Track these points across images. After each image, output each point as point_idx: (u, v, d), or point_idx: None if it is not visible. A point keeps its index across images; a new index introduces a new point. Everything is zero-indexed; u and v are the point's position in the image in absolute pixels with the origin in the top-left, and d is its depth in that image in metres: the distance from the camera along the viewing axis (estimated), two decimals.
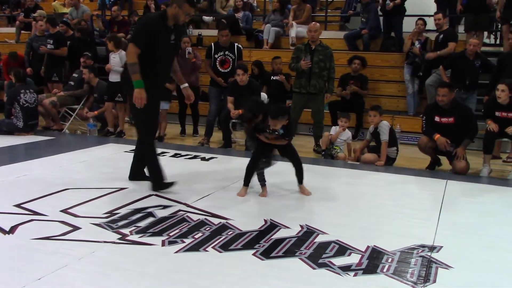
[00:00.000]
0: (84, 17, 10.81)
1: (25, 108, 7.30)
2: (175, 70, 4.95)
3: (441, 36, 8.03)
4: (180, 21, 4.56)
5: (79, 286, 2.75)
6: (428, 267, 3.13)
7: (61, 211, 3.94)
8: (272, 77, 8.03)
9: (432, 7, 9.35)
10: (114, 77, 7.59)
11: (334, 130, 6.65)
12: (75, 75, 8.48)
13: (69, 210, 3.96)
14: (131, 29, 10.51)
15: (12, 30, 12.12)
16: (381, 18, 9.46)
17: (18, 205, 4.05)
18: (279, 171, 5.09)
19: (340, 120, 6.62)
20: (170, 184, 4.60)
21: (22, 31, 11.85)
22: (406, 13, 9.17)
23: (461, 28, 9.16)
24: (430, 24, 8.61)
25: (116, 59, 7.61)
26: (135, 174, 4.95)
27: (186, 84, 5.03)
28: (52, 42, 8.95)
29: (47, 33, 9.27)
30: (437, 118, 5.98)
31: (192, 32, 10.52)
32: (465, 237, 3.74)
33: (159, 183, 4.60)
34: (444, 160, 6.19)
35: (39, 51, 9.18)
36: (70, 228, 3.57)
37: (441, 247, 3.48)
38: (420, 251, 3.40)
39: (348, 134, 6.63)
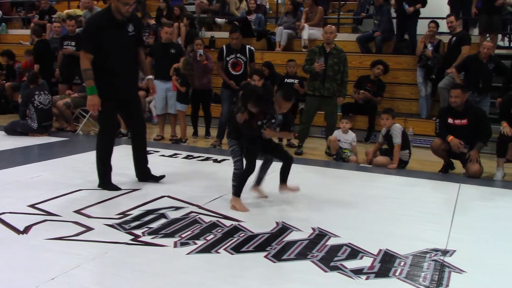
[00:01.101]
0: None
1: (39, 110, 7.37)
2: (140, 62, 4.91)
3: (454, 38, 7.98)
4: (124, 12, 4.47)
5: (91, 286, 2.77)
6: (441, 271, 3.11)
7: (75, 211, 3.97)
8: (285, 79, 8.02)
9: (445, 10, 9.29)
10: None
11: (337, 133, 6.64)
12: None
13: (82, 211, 3.99)
14: (145, 32, 10.56)
15: (27, 32, 12.24)
16: (394, 21, 9.42)
17: (32, 206, 4.08)
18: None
19: (341, 122, 6.60)
20: (115, 187, 4.65)
21: None
22: (420, 16, 9.12)
23: (475, 31, 9.09)
24: (444, 26, 8.55)
25: None
26: (143, 175, 5.00)
27: (150, 76, 5.09)
28: (74, 44, 9.00)
29: (63, 35, 9.32)
30: (450, 120, 5.95)
31: (204, 34, 10.55)
32: (479, 241, 3.71)
33: (104, 182, 4.69)
34: (457, 163, 6.14)
35: (56, 53, 9.25)
36: (83, 229, 3.60)
37: (454, 251, 3.45)
38: (433, 255, 3.37)
39: (352, 135, 6.60)
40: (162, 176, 5.02)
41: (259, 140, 4.31)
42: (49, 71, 9.26)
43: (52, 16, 11.49)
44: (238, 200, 4.25)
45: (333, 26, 7.12)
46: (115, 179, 4.77)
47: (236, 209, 4.18)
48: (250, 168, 4.29)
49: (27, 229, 3.55)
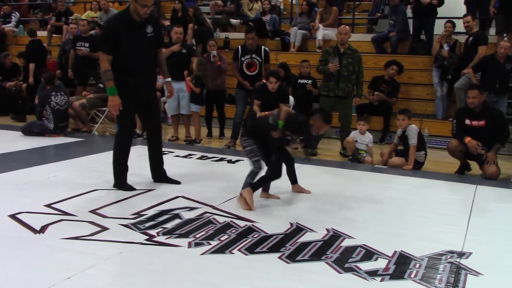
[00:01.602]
0: None
1: (56, 110, 7.44)
2: (160, 63, 4.92)
3: (471, 38, 7.90)
4: (141, 14, 4.48)
5: (106, 285, 2.79)
6: (457, 274, 3.08)
7: (90, 211, 4.00)
8: (299, 80, 8.00)
9: (462, 9, 9.21)
10: None
11: (354, 134, 6.61)
12: None
13: (98, 211, 4.02)
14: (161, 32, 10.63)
15: (44, 33, 12.38)
16: (410, 21, 9.35)
17: (49, 205, 4.13)
18: (304, 175, 5.07)
19: (358, 124, 6.59)
20: (130, 187, 4.68)
21: (54, 35, 12.11)
22: (437, 15, 9.04)
23: (492, 31, 8.99)
24: (460, 26, 8.47)
25: None
26: (158, 175, 5.02)
27: (169, 79, 5.07)
28: (89, 45, 9.09)
29: (76, 36, 9.41)
30: (467, 121, 5.89)
31: (219, 35, 10.58)
32: (495, 243, 3.66)
33: (119, 182, 4.72)
34: (474, 165, 6.08)
35: (68, 53, 9.36)
36: (99, 229, 3.63)
37: (471, 253, 3.42)
38: (448, 257, 3.34)
39: (369, 137, 6.57)
40: (178, 182, 4.99)
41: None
42: (41, 70, 9.34)
43: (69, 17, 11.61)
44: (251, 194, 4.23)
45: (347, 27, 7.09)
46: (130, 179, 4.81)
47: (245, 202, 4.17)
48: (277, 175, 4.36)
49: (43, 229, 3.59)
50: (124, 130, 4.80)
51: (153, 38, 4.68)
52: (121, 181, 4.74)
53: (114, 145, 4.83)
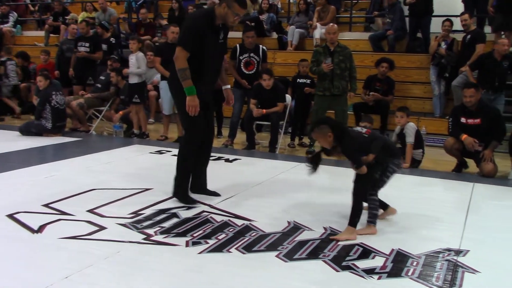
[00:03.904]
0: (111, 20, 10.98)
1: (55, 110, 7.44)
2: (222, 70, 4.65)
3: (468, 36, 7.91)
4: (229, 22, 4.21)
5: (104, 285, 2.79)
6: (454, 271, 3.09)
7: (88, 211, 4.00)
8: (298, 79, 7.99)
9: (459, 7, 9.21)
10: (132, 79, 7.72)
11: None
12: (102, 77, 8.61)
13: (95, 210, 4.02)
14: (157, 32, 10.63)
15: (41, 33, 12.39)
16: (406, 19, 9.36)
17: (46, 205, 4.13)
18: (303, 173, 5.06)
19: (361, 123, 6.57)
20: (192, 201, 4.33)
21: (51, 35, 12.11)
22: (433, 14, 9.04)
23: (488, 28, 8.99)
24: (457, 24, 8.48)
25: (133, 61, 7.68)
26: (198, 186, 4.59)
27: (228, 86, 4.76)
28: (88, 46, 9.08)
29: (78, 36, 9.41)
30: (463, 120, 5.90)
31: None
32: (493, 241, 3.67)
33: (182, 194, 4.37)
34: (471, 162, 6.09)
35: (67, 54, 9.36)
36: (96, 228, 3.63)
37: (468, 251, 3.42)
38: (446, 255, 3.35)
39: None
40: (217, 194, 4.57)
41: None
42: None
43: (66, 17, 11.61)
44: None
45: (335, 25, 7.03)
46: (127, 178, 4.80)
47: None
48: None
49: (41, 228, 3.59)
50: (191, 136, 4.34)
51: (224, 44, 4.48)
52: (183, 193, 4.37)
53: (178, 152, 4.41)
